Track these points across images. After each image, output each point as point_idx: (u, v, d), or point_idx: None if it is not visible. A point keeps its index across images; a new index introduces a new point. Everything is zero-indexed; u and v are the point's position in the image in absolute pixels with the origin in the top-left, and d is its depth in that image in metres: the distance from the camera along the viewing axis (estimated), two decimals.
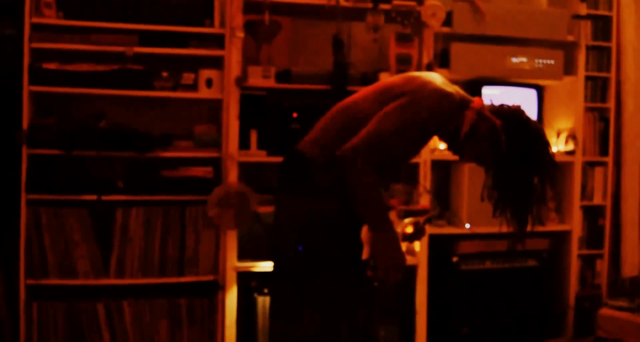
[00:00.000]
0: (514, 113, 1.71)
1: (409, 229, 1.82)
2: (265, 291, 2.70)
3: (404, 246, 1.74)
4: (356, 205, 1.63)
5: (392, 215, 1.78)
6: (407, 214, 1.85)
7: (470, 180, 3.00)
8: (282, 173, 1.81)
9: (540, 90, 3.22)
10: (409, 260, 2.91)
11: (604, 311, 2.95)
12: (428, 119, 1.65)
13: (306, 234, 1.72)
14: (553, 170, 1.71)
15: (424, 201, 1.98)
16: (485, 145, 1.69)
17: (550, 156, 1.70)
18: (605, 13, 3.26)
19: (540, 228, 3.19)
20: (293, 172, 1.77)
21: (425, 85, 1.67)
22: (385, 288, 1.75)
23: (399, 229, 1.77)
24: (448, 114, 1.67)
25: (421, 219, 1.85)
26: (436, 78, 1.72)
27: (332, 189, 1.67)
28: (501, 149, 1.66)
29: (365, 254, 1.67)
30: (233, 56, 2.65)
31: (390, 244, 1.64)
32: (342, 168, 1.62)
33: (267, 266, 2.69)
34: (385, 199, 1.82)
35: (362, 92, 1.78)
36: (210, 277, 2.72)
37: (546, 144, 1.70)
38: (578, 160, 3.18)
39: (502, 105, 1.74)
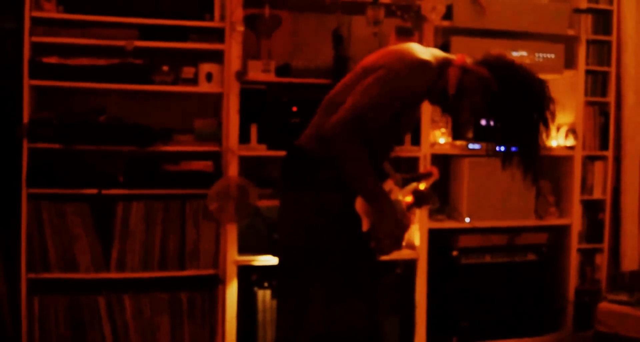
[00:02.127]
0: (498, 58, 1.70)
1: (409, 198, 1.80)
2: (266, 284, 2.71)
3: (410, 212, 1.74)
4: (347, 178, 1.63)
5: (391, 184, 1.74)
6: (408, 180, 1.82)
7: (471, 174, 3.00)
8: (284, 169, 1.82)
9: None
10: (409, 254, 2.93)
11: (604, 305, 2.96)
12: (405, 87, 1.64)
13: (311, 229, 1.72)
14: (550, 102, 1.69)
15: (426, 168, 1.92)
16: (478, 97, 1.67)
17: (544, 90, 1.68)
18: (606, 7, 3.26)
19: (540, 222, 3.22)
20: (294, 168, 1.77)
21: (400, 56, 1.66)
22: (383, 255, 1.73)
23: (400, 197, 1.74)
24: (426, 80, 1.65)
25: (426, 183, 1.81)
26: (412, 47, 1.70)
27: (334, 182, 1.66)
28: (495, 97, 1.64)
29: (365, 226, 1.66)
30: (233, 50, 2.65)
31: (387, 212, 1.63)
32: (326, 145, 1.61)
33: (267, 260, 2.70)
34: (390, 174, 1.81)
35: (346, 78, 1.78)
36: (210, 271, 2.73)
37: (537, 80, 1.68)
38: (578, 155, 3.18)
39: (485, 56, 1.72)
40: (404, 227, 1.66)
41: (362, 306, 1.73)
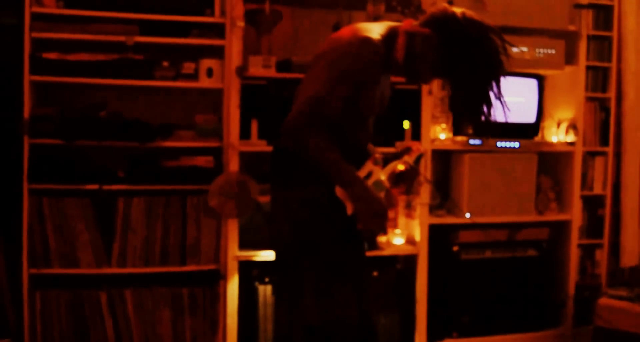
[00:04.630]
0: (439, 14, 1.69)
1: (401, 166, 1.77)
2: (267, 279, 2.72)
3: (395, 192, 1.74)
4: (318, 168, 1.64)
5: (371, 165, 1.75)
6: (390, 159, 1.81)
7: (471, 169, 3.01)
8: (270, 167, 1.84)
9: (541, 80, 3.22)
10: (409, 249, 2.93)
11: (603, 301, 2.96)
12: (350, 67, 1.64)
13: (300, 223, 1.74)
14: (499, 47, 1.66)
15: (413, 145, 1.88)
16: (431, 56, 1.67)
17: (490, 36, 1.65)
18: (607, 2, 3.25)
19: (540, 217, 3.23)
20: (279, 165, 1.80)
21: (341, 38, 1.68)
22: (369, 236, 1.73)
23: (382, 177, 1.74)
24: (370, 55, 1.65)
25: (409, 159, 1.79)
26: (355, 27, 1.71)
27: (316, 175, 1.68)
28: (444, 52, 1.64)
29: (349, 210, 1.67)
30: (234, 46, 2.65)
31: (362, 195, 1.65)
32: (288, 139, 1.63)
33: (268, 255, 2.71)
34: (371, 159, 1.81)
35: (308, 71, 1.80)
36: (211, 267, 2.73)
37: (482, 27, 1.66)
38: (578, 150, 3.19)
39: (428, 15, 1.72)
40: (383, 206, 1.67)
41: (352, 296, 1.75)
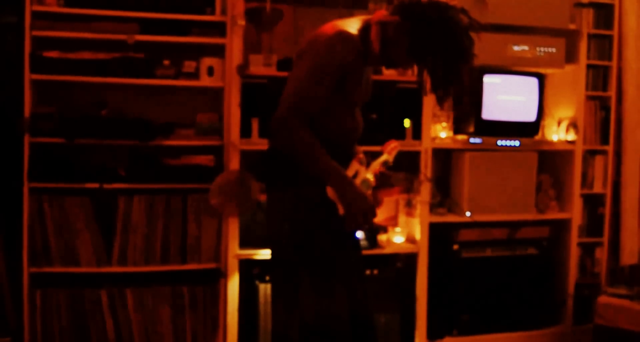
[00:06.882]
0: (405, 1, 1.71)
1: (384, 164, 1.83)
2: (267, 278, 2.72)
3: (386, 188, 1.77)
4: (303, 165, 1.67)
5: (356, 165, 1.78)
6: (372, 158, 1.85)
7: (471, 168, 3.01)
8: (265, 169, 1.85)
9: (542, 79, 3.21)
10: (410, 248, 2.94)
11: (603, 299, 2.97)
12: (328, 63, 1.66)
13: (296, 223, 1.75)
14: (465, 26, 1.70)
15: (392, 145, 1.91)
16: (404, 41, 1.70)
17: (455, 17, 1.69)
18: (607, 1, 3.25)
19: (540, 216, 3.23)
20: (272, 167, 1.81)
21: (319, 36, 1.71)
22: (354, 230, 1.78)
23: (368, 176, 1.77)
24: (347, 49, 1.68)
25: (389, 157, 1.84)
26: (331, 24, 1.74)
27: (311, 176, 1.69)
28: (415, 36, 1.67)
29: (341, 210, 1.70)
30: (234, 44, 2.65)
31: (348, 190, 1.67)
32: (275, 139, 1.65)
33: (268, 254, 2.70)
34: (357, 152, 1.84)
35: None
36: (212, 265, 2.74)
37: (443, 5, 1.69)
38: (579, 149, 3.19)
39: (396, 4, 1.74)
40: (370, 203, 1.69)
41: (343, 294, 1.76)
